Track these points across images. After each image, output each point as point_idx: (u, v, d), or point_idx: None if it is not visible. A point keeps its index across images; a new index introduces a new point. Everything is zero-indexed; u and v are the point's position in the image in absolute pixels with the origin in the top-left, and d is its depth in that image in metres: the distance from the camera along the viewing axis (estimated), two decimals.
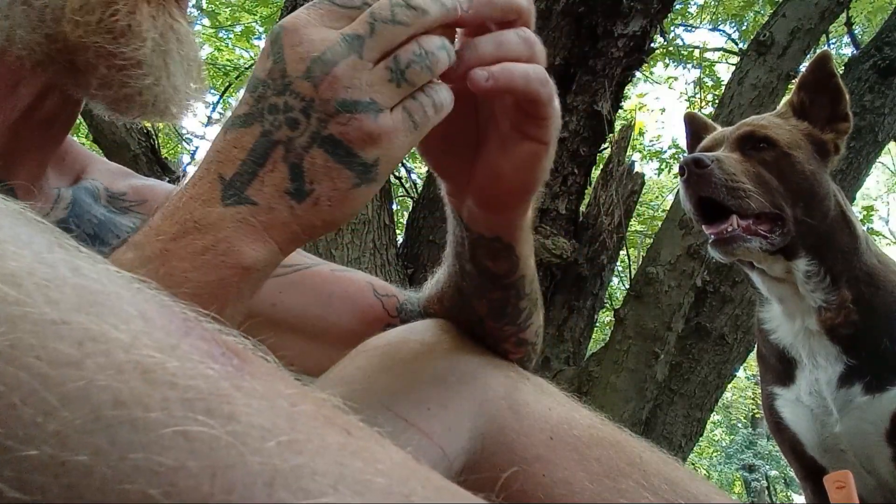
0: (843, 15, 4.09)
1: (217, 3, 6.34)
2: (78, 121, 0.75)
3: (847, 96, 1.40)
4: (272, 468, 0.23)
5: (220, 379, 0.25)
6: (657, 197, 8.56)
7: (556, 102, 0.52)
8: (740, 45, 6.03)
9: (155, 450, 0.22)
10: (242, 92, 0.48)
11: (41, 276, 0.24)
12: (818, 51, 1.46)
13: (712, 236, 1.28)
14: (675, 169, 6.83)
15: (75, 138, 0.79)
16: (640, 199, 4.09)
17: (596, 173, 3.00)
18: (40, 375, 0.22)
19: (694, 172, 1.27)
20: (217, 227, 0.43)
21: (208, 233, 0.43)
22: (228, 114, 0.50)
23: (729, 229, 1.25)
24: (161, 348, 0.25)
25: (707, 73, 6.61)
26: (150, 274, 0.44)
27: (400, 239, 2.85)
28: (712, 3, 6.56)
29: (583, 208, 2.83)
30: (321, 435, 0.26)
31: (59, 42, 0.59)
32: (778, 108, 1.47)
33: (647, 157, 7.28)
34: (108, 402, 0.23)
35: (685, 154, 1.70)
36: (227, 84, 6.49)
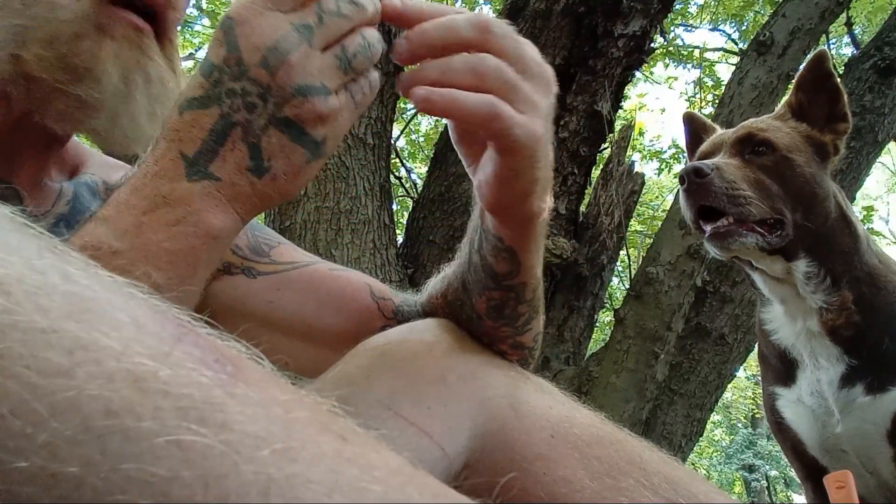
0: (843, 15, 4.09)
1: (217, 3, 6.34)
2: None
3: (845, 96, 1.39)
4: (266, 477, 0.23)
5: (214, 386, 0.25)
6: (657, 197, 8.57)
7: (523, 130, 0.52)
8: (740, 45, 6.03)
9: (147, 460, 0.22)
10: (192, 76, 0.50)
11: (31, 283, 0.24)
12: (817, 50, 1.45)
13: (708, 230, 1.27)
14: (676, 169, 6.84)
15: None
16: (640, 199, 4.09)
17: (596, 173, 3.00)
18: (30, 385, 0.22)
19: (694, 182, 1.27)
20: (186, 201, 0.48)
21: (178, 206, 0.48)
22: None
23: (724, 223, 1.25)
24: (153, 356, 0.24)
25: (707, 73, 6.61)
26: (126, 245, 0.46)
27: (400, 239, 2.85)
28: (712, 3, 6.56)
29: (583, 208, 2.83)
30: (316, 442, 0.26)
31: (20, 66, 0.58)
32: (776, 109, 1.46)
33: (647, 157, 7.28)
34: (100, 411, 0.22)
35: (685, 154, 1.70)
36: None
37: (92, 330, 0.24)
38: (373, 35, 0.52)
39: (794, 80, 1.44)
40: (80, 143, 0.80)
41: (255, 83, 0.48)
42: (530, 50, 0.54)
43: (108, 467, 0.21)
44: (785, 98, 1.45)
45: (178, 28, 0.74)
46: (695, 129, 1.61)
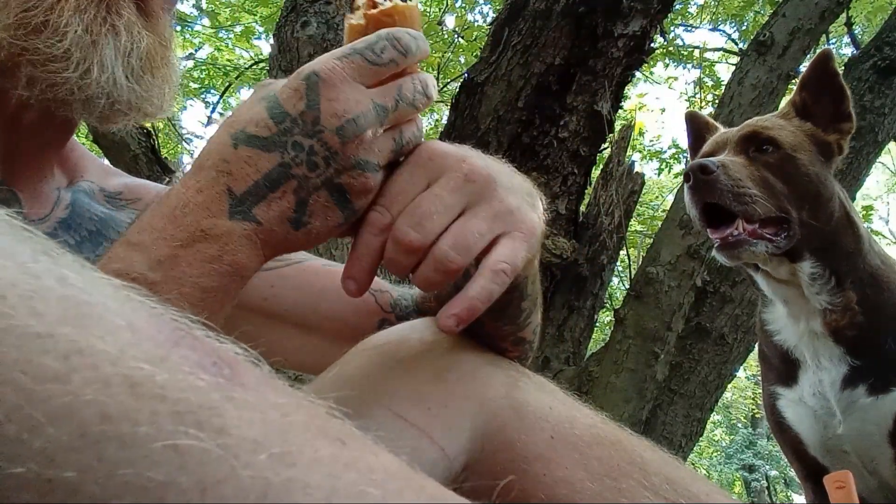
0: (843, 15, 4.09)
1: (217, 3, 6.34)
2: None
3: (849, 96, 1.39)
4: (264, 482, 0.23)
5: (211, 390, 0.25)
6: (657, 197, 8.56)
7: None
8: (740, 45, 6.03)
9: (144, 465, 0.22)
10: (253, 108, 0.51)
11: (26, 287, 0.24)
12: (818, 50, 1.45)
13: (717, 241, 1.27)
14: (676, 169, 6.84)
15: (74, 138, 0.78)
16: (640, 199, 4.09)
17: (596, 173, 3.00)
18: (25, 391, 0.21)
19: (700, 179, 1.26)
20: (224, 240, 0.48)
21: (215, 243, 0.48)
22: (229, 116, 0.53)
23: (735, 233, 1.25)
24: (150, 360, 0.24)
25: (707, 73, 6.61)
26: (160, 277, 0.46)
27: None
28: (712, 3, 6.56)
29: (583, 208, 2.83)
30: (314, 446, 0.25)
31: None
32: (781, 108, 1.46)
33: (647, 157, 7.28)
34: (96, 417, 0.22)
35: (685, 154, 1.70)
36: (227, 84, 6.49)
37: (88, 334, 0.23)
38: (421, 124, 0.57)
39: (798, 80, 1.44)
40: (82, 148, 0.80)
41: (325, 146, 0.49)
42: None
43: (105, 473, 0.21)
44: (789, 97, 1.44)
45: (174, 6, 0.73)
46: (697, 128, 1.61)
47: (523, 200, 0.56)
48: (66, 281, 0.25)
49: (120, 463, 0.22)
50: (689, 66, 6.57)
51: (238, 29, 6.29)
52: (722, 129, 1.50)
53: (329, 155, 0.49)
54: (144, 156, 2.70)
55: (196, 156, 0.52)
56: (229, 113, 0.52)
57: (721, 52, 6.61)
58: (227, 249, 0.48)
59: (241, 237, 0.49)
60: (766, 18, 3.72)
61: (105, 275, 0.27)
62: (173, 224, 0.48)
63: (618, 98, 2.67)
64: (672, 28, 6.13)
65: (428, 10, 6.18)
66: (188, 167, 0.52)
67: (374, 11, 0.56)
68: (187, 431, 0.23)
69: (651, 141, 7.81)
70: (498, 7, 5.04)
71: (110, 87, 0.61)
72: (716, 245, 1.28)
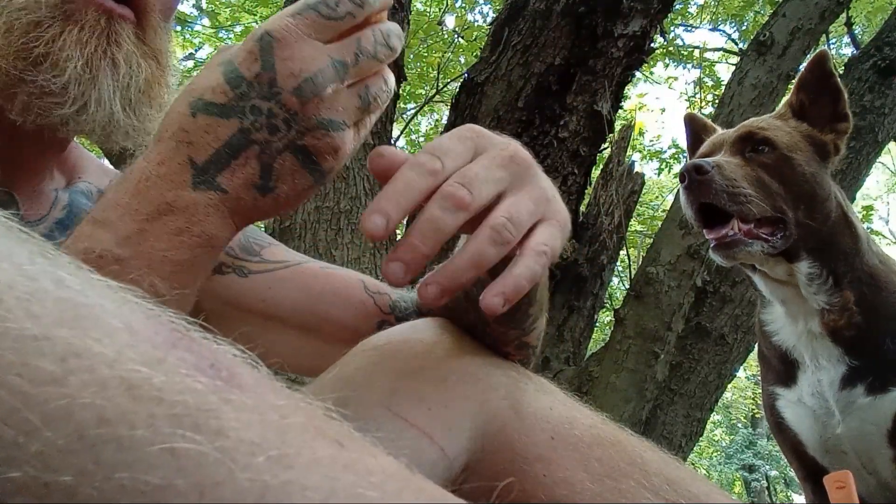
0: (843, 15, 4.09)
1: (217, 3, 6.34)
2: None
3: (846, 96, 1.39)
4: (262, 484, 0.23)
5: (209, 393, 0.24)
6: (657, 197, 8.56)
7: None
8: (740, 45, 6.03)
9: (141, 468, 0.22)
10: (211, 74, 0.49)
11: (22, 289, 0.23)
12: (817, 50, 1.45)
13: (713, 241, 1.27)
14: (676, 169, 6.84)
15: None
16: (640, 199, 4.09)
17: (596, 173, 3.00)
18: (21, 394, 0.21)
19: (695, 179, 1.26)
20: (190, 211, 0.47)
21: (181, 215, 0.47)
22: (188, 83, 0.52)
23: (730, 233, 1.25)
24: (147, 362, 0.24)
25: (707, 73, 6.61)
26: (129, 253, 0.45)
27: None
28: (712, 3, 6.56)
29: (583, 208, 2.83)
30: (312, 448, 0.25)
31: None
32: (777, 109, 1.46)
33: (647, 157, 7.28)
34: (93, 420, 0.22)
35: (685, 154, 1.70)
36: None
37: (84, 337, 0.23)
38: (391, 78, 0.54)
39: (795, 80, 1.44)
40: (82, 148, 0.80)
41: (284, 108, 0.48)
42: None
43: (102, 476, 0.21)
44: (786, 98, 1.45)
45: (171, 17, 0.73)
46: (696, 130, 1.61)
47: (556, 190, 0.55)
48: (63, 283, 0.25)
49: (117, 466, 0.21)
50: (689, 66, 6.58)
51: (238, 29, 6.28)
52: (720, 131, 1.51)
53: (289, 117, 0.48)
54: None
55: (158, 127, 0.51)
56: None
57: (721, 52, 6.62)
58: (194, 220, 0.47)
59: (207, 207, 0.48)
60: (766, 18, 3.72)
61: (101, 277, 0.27)
62: (137, 198, 0.47)
63: (618, 98, 2.67)
64: (672, 28, 6.13)
65: (428, 10, 6.18)
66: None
67: None
68: (185, 434, 0.22)
69: (651, 141, 7.81)
70: (498, 7, 5.04)
71: (105, 122, 0.61)
72: (711, 245, 1.28)
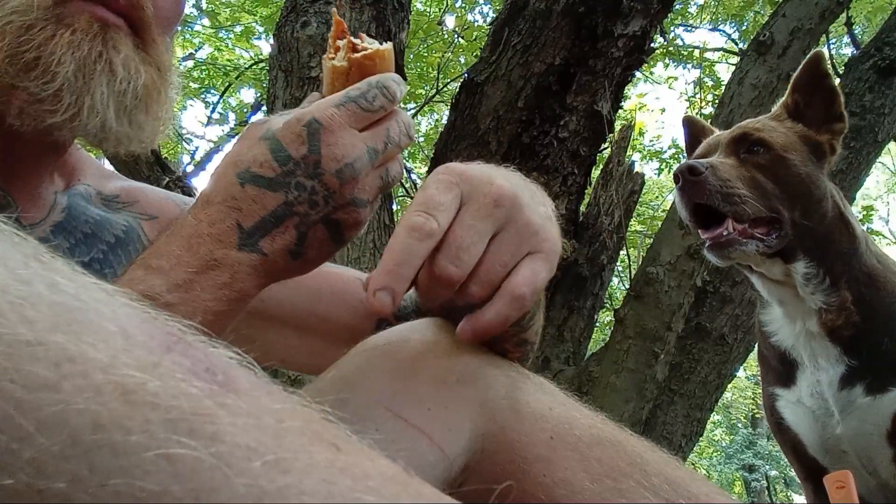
0: (843, 15, 4.09)
1: (217, 3, 6.33)
2: None
3: (841, 96, 1.39)
4: (258, 490, 0.23)
5: (204, 397, 0.24)
6: (657, 197, 8.56)
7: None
8: (740, 45, 6.03)
9: (136, 475, 0.21)
10: (255, 149, 0.55)
11: (16, 293, 0.23)
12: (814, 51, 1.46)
13: (708, 241, 1.27)
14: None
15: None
16: (640, 199, 4.09)
17: (596, 173, 3.00)
18: (15, 400, 0.21)
19: (688, 180, 1.27)
20: (234, 269, 0.53)
21: (226, 271, 0.53)
22: (231, 153, 0.58)
23: (725, 233, 1.25)
24: (142, 367, 0.24)
25: (707, 73, 6.61)
26: (177, 299, 0.50)
27: None
28: (712, 3, 6.56)
29: (583, 208, 2.83)
30: (309, 452, 0.25)
31: None
32: (773, 110, 1.46)
33: (647, 157, 7.28)
34: (87, 425, 0.21)
35: (685, 155, 1.70)
36: (227, 84, 6.49)
37: (79, 341, 0.23)
38: (402, 160, 0.63)
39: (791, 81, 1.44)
40: (82, 150, 0.79)
41: (325, 187, 0.55)
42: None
43: (96, 483, 0.21)
44: (782, 99, 1.45)
45: (175, 27, 0.73)
46: (695, 132, 1.61)
47: (544, 217, 0.59)
48: (58, 287, 0.25)
49: (112, 472, 0.21)
50: (689, 66, 6.58)
51: (238, 29, 6.28)
52: (718, 132, 1.51)
53: (328, 194, 0.55)
54: (144, 156, 2.70)
55: (204, 189, 0.57)
56: (228, 147, 0.55)
57: (721, 52, 6.62)
58: (236, 277, 0.53)
59: (248, 267, 0.54)
60: (766, 18, 3.72)
61: (95, 280, 0.27)
62: (189, 252, 0.53)
63: (618, 98, 2.67)
64: (672, 28, 6.13)
65: (428, 10, 6.17)
66: (188, 168, 0.54)
67: (357, 56, 0.61)
68: (180, 440, 0.22)
69: (651, 141, 7.81)
70: (498, 7, 5.04)
71: (97, 129, 0.62)
72: (707, 245, 1.28)
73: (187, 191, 2.64)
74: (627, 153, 3.12)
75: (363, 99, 0.57)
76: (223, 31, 6.49)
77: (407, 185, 5.20)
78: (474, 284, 0.53)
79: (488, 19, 6.24)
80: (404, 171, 0.62)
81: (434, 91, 5.31)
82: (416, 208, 0.53)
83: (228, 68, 6.55)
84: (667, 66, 6.65)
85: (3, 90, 0.58)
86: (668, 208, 3.39)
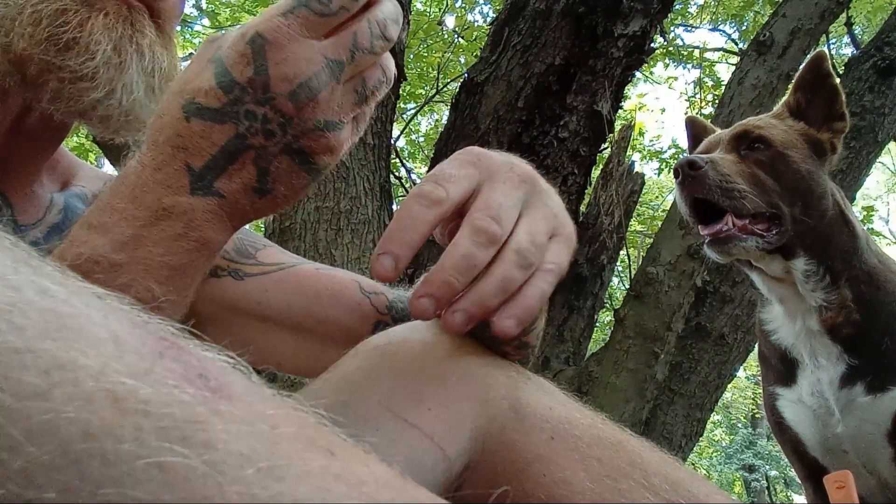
0: (843, 15, 4.09)
1: (217, 3, 6.34)
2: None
3: (843, 96, 1.39)
4: (252, 498, 0.22)
5: (197, 404, 0.24)
6: (657, 197, 8.56)
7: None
8: (740, 45, 6.03)
9: (128, 484, 0.21)
10: (202, 74, 0.48)
11: (5, 300, 0.23)
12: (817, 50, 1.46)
13: (708, 237, 1.27)
14: None
15: (70, 141, 0.78)
16: (640, 199, 4.09)
17: (596, 173, 3.00)
18: (3, 409, 0.21)
19: (688, 174, 1.27)
20: (188, 216, 0.47)
21: (179, 220, 0.47)
22: (179, 79, 0.50)
23: (724, 229, 1.25)
24: (133, 374, 0.23)
25: (707, 73, 6.61)
26: (125, 258, 0.45)
27: None
28: (712, 3, 6.56)
29: (583, 208, 2.83)
30: (303, 459, 0.25)
31: (10, 53, 0.58)
32: (775, 109, 1.47)
33: (647, 157, 7.27)
34: (77, 434, 0.21)
35: (685, 154, 1.70)
36: None
37: (69, 348, 0.23)
38: (390, 66, 0.52)
39: (793, 81, 1.45)
40: (72, 155, 0.80)
41: (279, 113, 0.47)
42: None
43: (87, 493, 0.21)
44: (784, 98, 1.45)
45: (176, 26, 0.73)
46: (697, 133, 1.61)
47: (560, 205, 0.56)
48: (48, 292, 0.24)
49: (103, 482, 0.21)
50: (689, 66, 6.58)
51: None
52: (719, 131, 1.51)
53: (284, 121, 0.47)
54: None
55: (150, 124, 0.49)
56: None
57: (721, 52, 6.62)
58: (192, 226, 0.47)
59: (205, 212, 0.47)
60: (766, 18, 3.72)
61: (86, 284, 0.27)
62: (134, 203, 0.46)
63: (618, 98, 2.67)
64: (672, 28, 6.13)
65: (428, 10, 6.18)
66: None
67: None
68: (172, 448, 0.22)
69: (651, 141, 7.81)
70: (498, 7, 5.04)
71: (129, 106, 0.61)
72: (706, 241, 1.28)
73: None
74: (627, 153, 3.12)
75: (315, 1, 0.46)
76: (223, 31, 6.48)
77: (407, 185, 5.20)
78: (531, 247, 0.48)
79: (488, 19, 6.24)
80: (373, 107, 0.54)
81: (434, 91, 5.31)
82: (426, 179, 0.49)
83: None
84: (667, 66, 6.66)
85: (41, 73, 0.58)
86: (668, 208, 3.39)
